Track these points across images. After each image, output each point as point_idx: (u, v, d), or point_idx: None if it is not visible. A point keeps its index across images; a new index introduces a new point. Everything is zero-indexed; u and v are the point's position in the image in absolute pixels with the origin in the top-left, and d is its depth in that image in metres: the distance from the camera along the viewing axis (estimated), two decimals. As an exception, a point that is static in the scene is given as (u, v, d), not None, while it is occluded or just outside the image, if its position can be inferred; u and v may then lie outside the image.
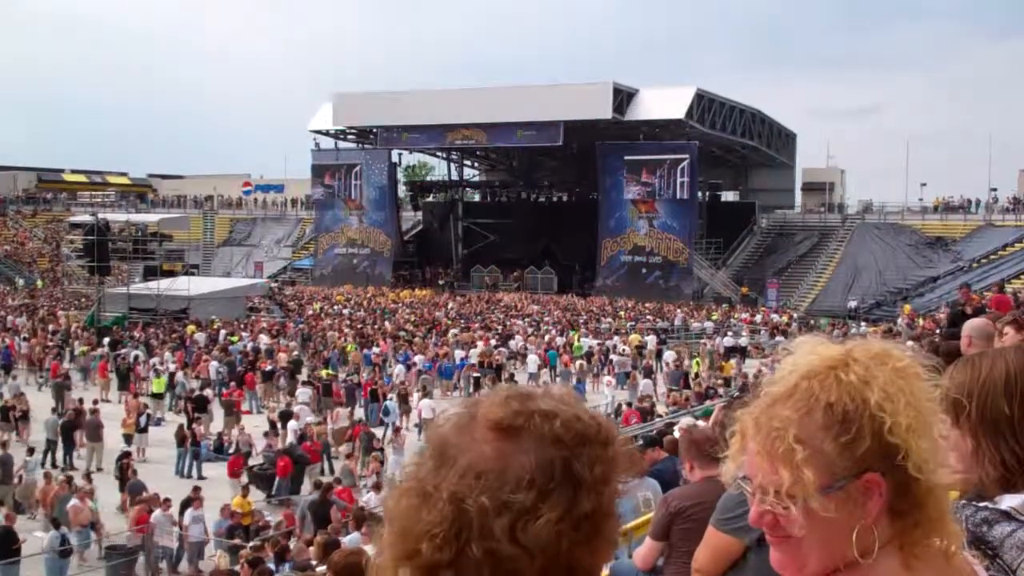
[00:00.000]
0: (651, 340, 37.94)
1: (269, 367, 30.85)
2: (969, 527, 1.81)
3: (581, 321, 44.64)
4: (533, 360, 32.98)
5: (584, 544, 1.13)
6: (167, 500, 16.60)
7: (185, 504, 16.59)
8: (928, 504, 1.27)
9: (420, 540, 1.11)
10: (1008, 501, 1.90)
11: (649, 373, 30.81)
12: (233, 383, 28.78)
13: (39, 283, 64.55)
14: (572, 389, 1.32)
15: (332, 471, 20.89)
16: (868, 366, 1.28)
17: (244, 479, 19.69)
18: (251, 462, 21.23)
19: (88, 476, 19.45)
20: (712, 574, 3.41)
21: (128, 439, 23.13)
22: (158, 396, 28.14)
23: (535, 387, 1.25)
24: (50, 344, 35.01)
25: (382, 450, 21.78)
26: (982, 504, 1.88)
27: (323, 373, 29.72)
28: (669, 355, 33.90)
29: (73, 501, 16.17)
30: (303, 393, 27.26)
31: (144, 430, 23.78)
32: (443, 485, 1.12)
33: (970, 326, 5.75)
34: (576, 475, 1.12)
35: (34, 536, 15.47)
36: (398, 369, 31.11)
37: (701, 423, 13.66)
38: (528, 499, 1.09)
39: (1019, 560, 1.81)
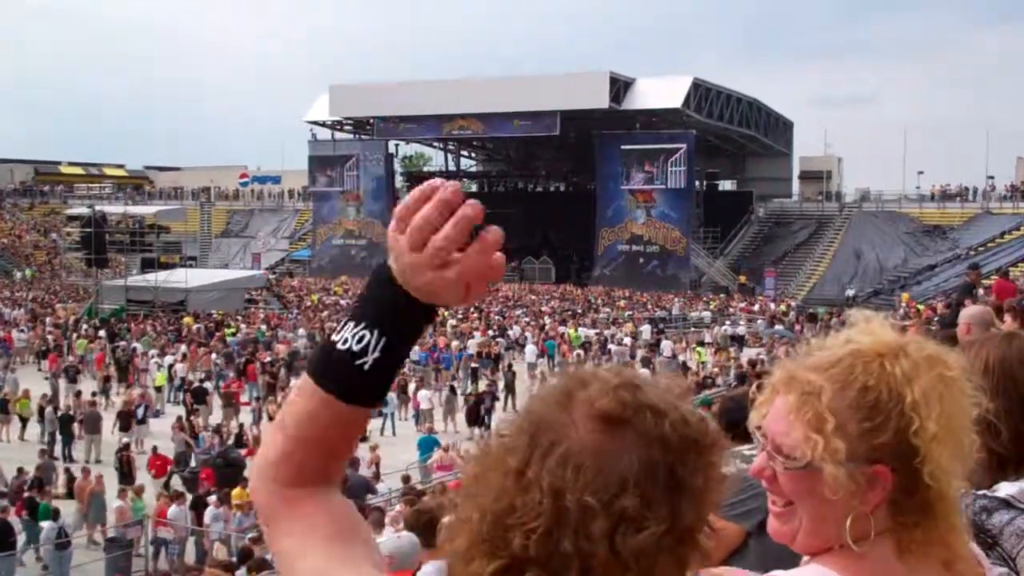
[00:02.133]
0: (646, 329, 37.96)
1: (268, 358, 30.84)
2: (969, 515, 1.81)
3: (579, 311, 44.71)
4: (531, 350, 33.00)
5: (679, 560, 1.05)
6: (181, 495, 16.60)
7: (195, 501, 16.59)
8: (935, 511, 1.25)
9: (511, 531, 1.03)
10: (1006, 489, 1.90)
11: (647, 363, 30.81)
12: (232, 375, 28.79)
13: (27, 273, 64.36)
14: (682, 378, 1.26)
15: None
16: (917, 364, 1.25)
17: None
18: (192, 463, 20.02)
19: (87, 469, 19.48)
20: (712, 562, 3.42)
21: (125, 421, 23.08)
22: (157, 389, 28.16)
23: (643, 374, 1.16)
24: (50, 335, 35.01)
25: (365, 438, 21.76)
26: (980, 492, 1.89)
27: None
28: (666, 344, 33.91)
29: (117, 503, 16.15)
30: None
31: (143, 421, 23.78)
32: (543, 473, 1.02)
33: (969, 314, 5.75)
34: (680, 482, 1.03)
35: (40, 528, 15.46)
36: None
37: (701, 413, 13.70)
38: (633, 505, 1.01)
39: (1018, 548, 1.82)
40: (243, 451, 20.49)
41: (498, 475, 1.06)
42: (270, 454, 1.19)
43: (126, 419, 23.02)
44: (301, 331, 36.87)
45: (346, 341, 1.12)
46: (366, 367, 1.12)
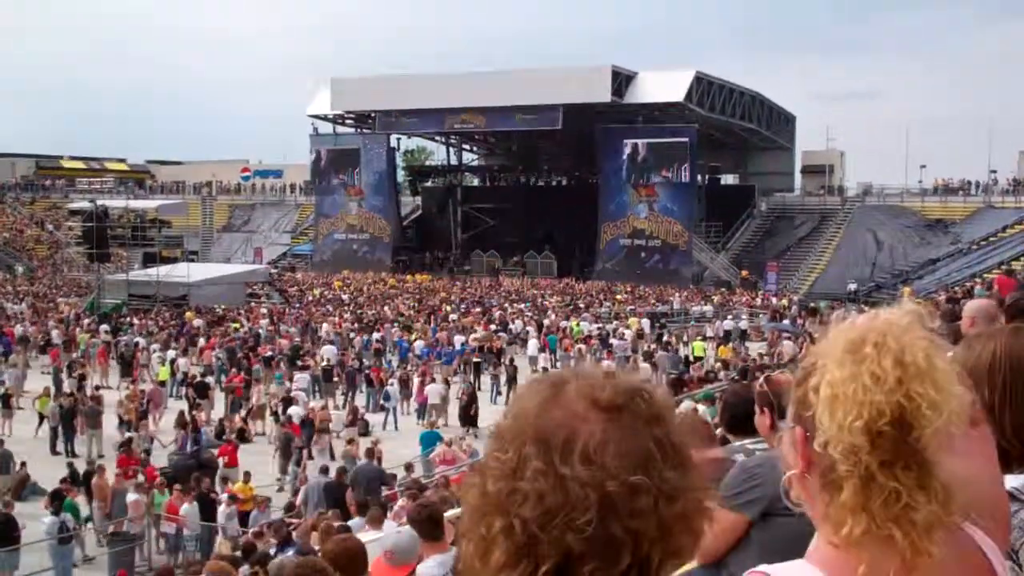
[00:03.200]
0: (645, 323, 37.96)
1: (268, 352, 30.87)
2: None
3: (581, 306, 44.74)
4: (533, 344, 33.02)
5: (703, 514, 1.15)
6: (191, 491, 16.48)
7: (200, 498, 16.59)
8: (857, 493, 1.26)
9: (561, 530, 1.07)
10: (1010, 481, 1.90)
11: (650, 357, 30.84)
12: (234, 369, 28.83)
13: (20, 269, 64.40)
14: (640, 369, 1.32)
15: (333, 456, 20.93)
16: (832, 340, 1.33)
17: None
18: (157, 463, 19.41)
19: (91, 463, 19.52)
20: (716, 552, 3.41)
21: (128, 424, 23.11)
22: (161, 383, 28.18)
23: (614, 367, 1.26)
24: (55, 331, 35.06)
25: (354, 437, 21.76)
26: None
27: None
28: (666, 338, 33.91)
29: (132, 496, 16.01)
30: (301, 379, 27.31)
31: (145, 416, 23.80)
32: (574, 469, 1.08)
33: (974, 308, 5.74)
34: (678, 447, 1.14)
35: (42, 522, 15.48)
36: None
37: (701, 407, 13.71)
38: (662, 475, 1.10)
39: (1020, 540, 1.82)
40: (216, 450, 20.13)
41: (523, 484, 1.08)
42: None
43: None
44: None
45: None
46: None
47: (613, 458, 1.08)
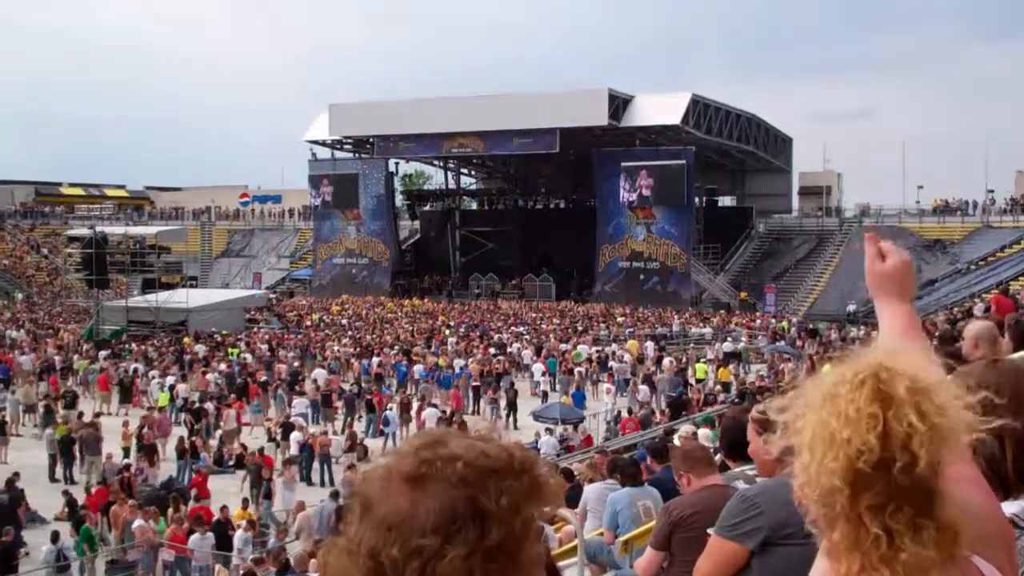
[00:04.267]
0: (650, 346, 37.92)
1: (263, 378, 30.79)
2: None
3: (580, 329, 44.71)
4: (538, 368, 32.95)
5: (500, 572, 1.16)
6: (202, 522, 16.35)
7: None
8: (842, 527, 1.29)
9: None
10: (1010, 508, 1.90)
11: (649, 380, 30.80)
12: (232, 395, 28.75)
13: (19, 296, 64.40)
14: (494, 421, 1.36)
15: (332, 482, 20.86)
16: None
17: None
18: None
19: (88, 490, 19.43)
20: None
21: (126, 452, 23.04)
22: (160, 409, 28.08)
23: (450, 429, 1.31)
24: (56, 357, 34.99)
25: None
26: None
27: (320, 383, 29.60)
28: (667, 361, 33.89)
29: (138, 522, 15.90)
30: (300, 404, 27.25)
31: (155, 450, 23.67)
32: (364, 541, 1.17)
33: (975, 330, 5.74)
34: (483, 510, 1.16)
35: (40, 551, 15.41)
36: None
37: (703, 431, 13.66)
38: (434, 543, 1.14)
39: (1023, 568, 1.82)
40: (189, 484, 19.72)
41: (339, 555, 1.20)
42: None
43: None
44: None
45: None
46: None
47: (400, 528, 1.15)
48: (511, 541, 1.17)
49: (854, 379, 1.27)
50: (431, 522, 1.15)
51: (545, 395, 30.64)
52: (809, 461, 1.27)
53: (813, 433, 1.26)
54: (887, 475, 1.23)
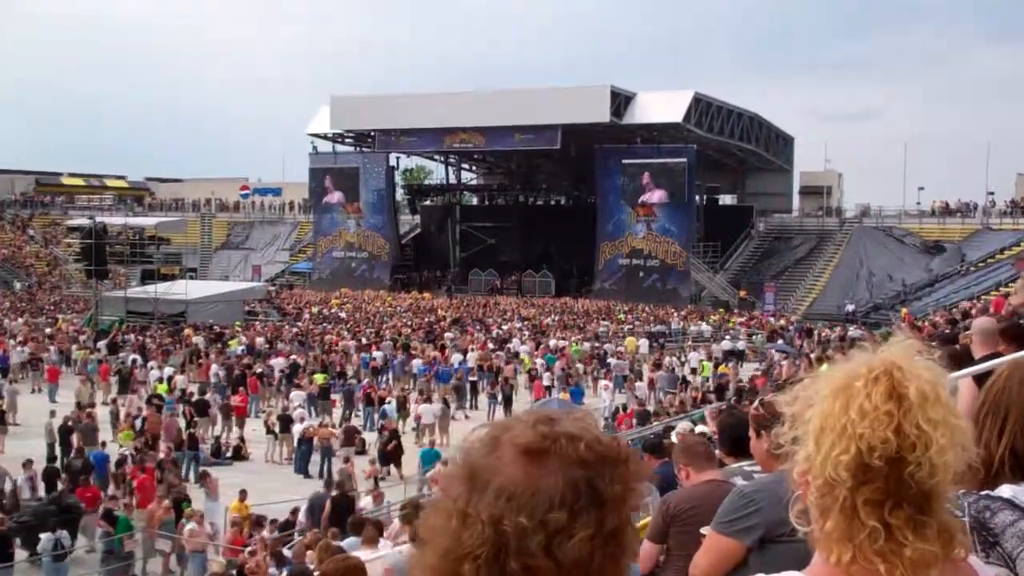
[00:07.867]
0: (643, 343, 37.90)
1: (260, 370, 30.79)
2: (971, 513, 1.84)
3: (580, 325, 44.70)
4: (539, 363, 32.90)
5: (612, 557, 1.19)
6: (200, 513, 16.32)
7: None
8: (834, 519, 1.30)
9: (462, 562, 1.17)
10: (1010, 490, 1.92)
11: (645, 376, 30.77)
12: (232, 387, 28.75)
13: (18, 286, 64.34)
14: (588, 411, 1.38)
15: (330, 474, 20.86)
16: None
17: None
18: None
19: (160, 497, 19.32)
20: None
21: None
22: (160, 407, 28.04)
23: (558, 411, 1.32)
24: (54, 348, 34.97)
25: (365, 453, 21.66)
26: (983, 492, 1.91)
27: (319, 377, 29.56)
28: (667, 360, 33.91)
29: (191, 525, 15.68)
30: (297, 396, 27.24)
31: (142, 433, 23.70)
32: (481, 508, 1.18)
33: (976, 326, 5.79)
34: (600, 494, 1.19)
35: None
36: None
37: (700, 427, 13.67)
38: (561, 518, 1.16)
39: (1019, 549, 1.84)
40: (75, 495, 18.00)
41: (445, 518, 1.21)
42: None
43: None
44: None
45: None
46: None
47: (519, 499, 1.17)
48: (622, 529, 1.20)
49: (869, 374, 1.29)
50: (558, 497, 1.16)
51: (548, 389, 30.41)
52: (815, 451, 1.27)
53: (822, 424, 1.27)
54: (892, 472, 1.25)
